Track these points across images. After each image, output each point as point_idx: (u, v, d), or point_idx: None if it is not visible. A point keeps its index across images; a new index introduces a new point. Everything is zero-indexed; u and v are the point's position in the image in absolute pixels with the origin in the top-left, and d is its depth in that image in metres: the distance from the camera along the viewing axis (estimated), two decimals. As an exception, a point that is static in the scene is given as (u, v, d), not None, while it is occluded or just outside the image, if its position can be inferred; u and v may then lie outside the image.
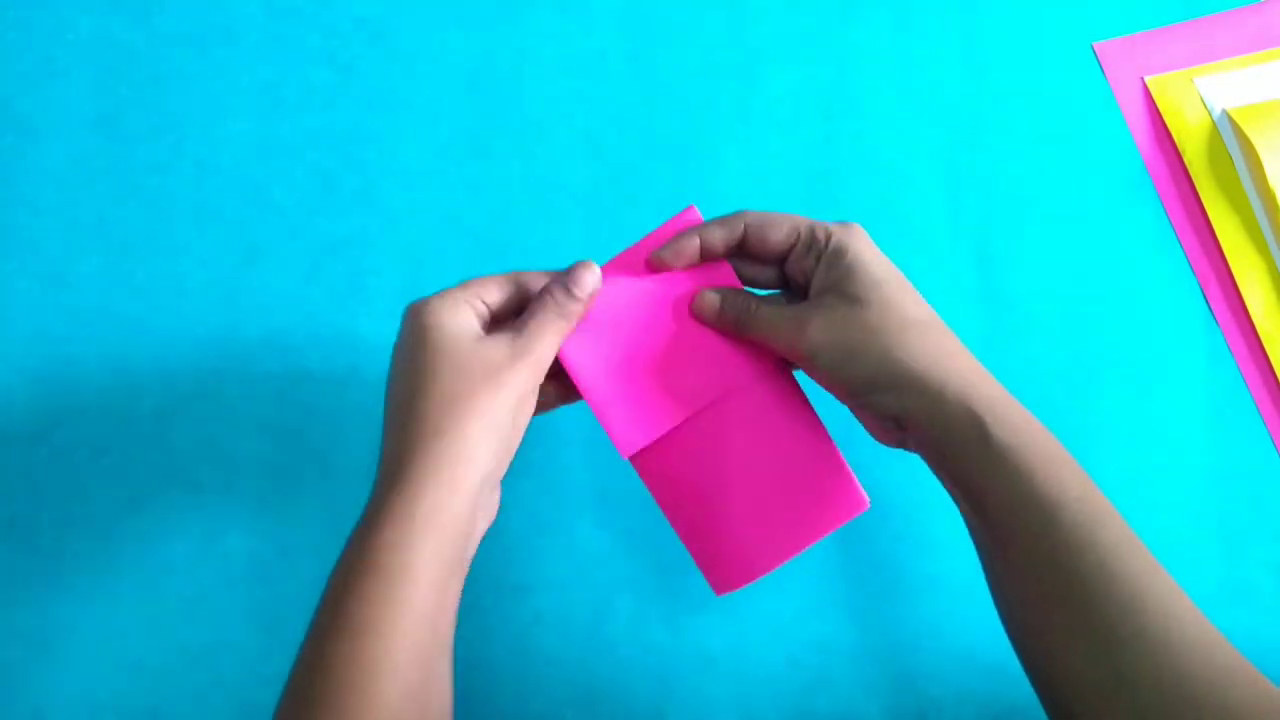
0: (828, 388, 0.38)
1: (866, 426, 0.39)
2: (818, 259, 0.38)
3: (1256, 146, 0.54)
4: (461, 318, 0.36)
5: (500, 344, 0.36)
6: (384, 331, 0.52)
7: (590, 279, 0.38)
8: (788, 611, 0.49)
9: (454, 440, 0.33)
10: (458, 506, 0.33)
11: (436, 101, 0.56)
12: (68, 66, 0.55)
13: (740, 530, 0.40)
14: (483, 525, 0.37)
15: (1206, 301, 0.55)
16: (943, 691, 0.48)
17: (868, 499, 0.40)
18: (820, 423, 0.40)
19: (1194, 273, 0.55)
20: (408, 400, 0.35)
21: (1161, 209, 0.56)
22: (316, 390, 0.51)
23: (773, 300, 0.40)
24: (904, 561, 0.50)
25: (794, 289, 0.40)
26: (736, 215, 0.40)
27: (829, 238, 0.38)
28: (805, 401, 0.41)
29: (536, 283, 0.39)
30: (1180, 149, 0.57)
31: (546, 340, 0.37)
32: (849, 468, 0.40)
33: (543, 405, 0.40)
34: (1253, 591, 0.51)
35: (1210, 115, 0.57)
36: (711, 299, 0.39)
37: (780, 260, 0.40)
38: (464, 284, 0.38)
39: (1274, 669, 0.51)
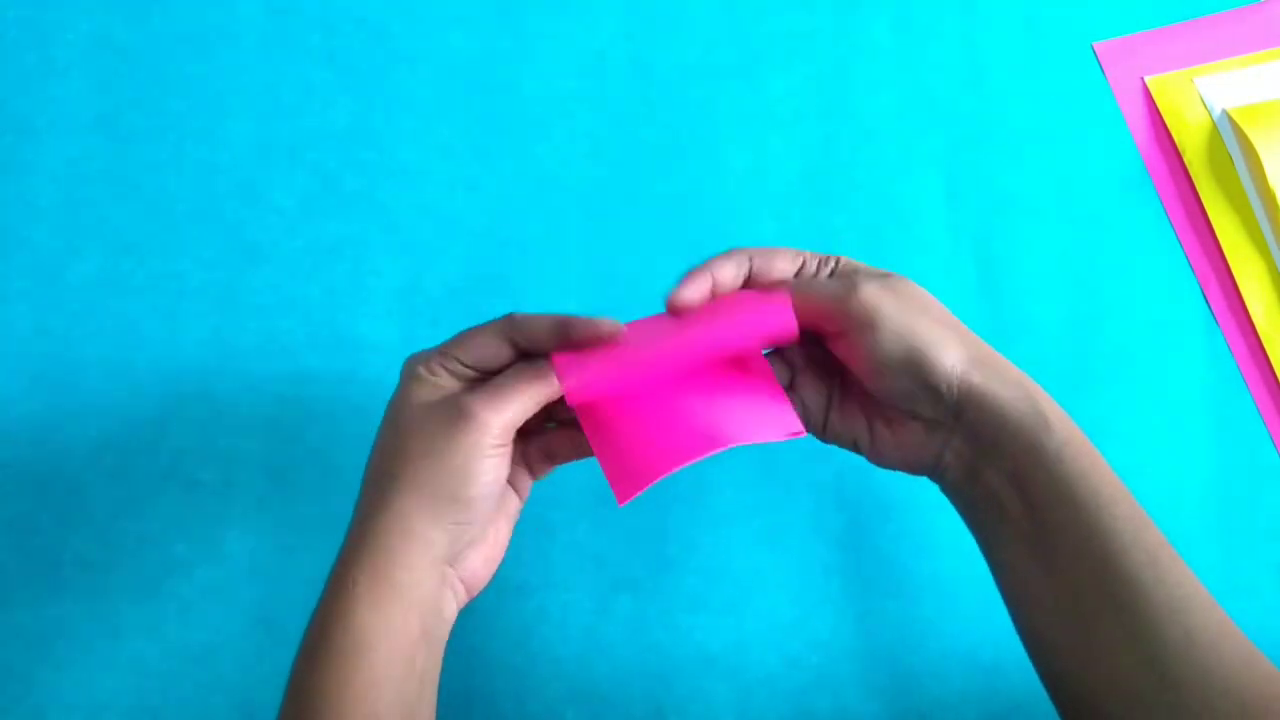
0: (873, 363, 0.35)
1: (896, 422, 0.37)
2: (831, 275, 0.36)
3: (1256, 146, 0.54)
4: (431, 380, 0.34)
5: (448, 407, 0.33)
6: (384, 331, 0.52)
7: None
8: (788, 611, 0.49)
9: (396, 513, 0.33)
10: (409, 580, 0.32)
11: (436, 101, 0.56)
12: (67, 66, 0.55)
13: (657, 432, 0.36)
14: (453, 604, 0.35)
15: (1206, 301, 0.55)
16: (943, 691, 0.48)
17: (803, 426, 0.37)
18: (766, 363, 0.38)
19: (1194, 273, 0.55)
20: (370, 463, 0.35)
21: (1161, 209, 0.56)
22: (316, 390, 0.51)
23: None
24: (904, 561, 0.50)
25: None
26: (738, 250, 0.37)
27: (837, 260, 0.37)
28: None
29: (533, 329, 0.35)
30: (1180, 149, 0.57)
31: (513, 402, 0.33)
32: (786, 396, 0.38)
33: (542, 469, 0.38)
34: (1253, 591, 0.51)
35: (1210, 115, 0.57)
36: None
37: None
38: (453, 339, 0.36)
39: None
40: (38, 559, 0.48)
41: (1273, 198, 0.54)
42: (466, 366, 0.35)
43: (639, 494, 0.35)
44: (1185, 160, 0.57)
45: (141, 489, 0.49)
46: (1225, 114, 0.57)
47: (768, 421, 0.37)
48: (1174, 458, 0.52)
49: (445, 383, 0.35)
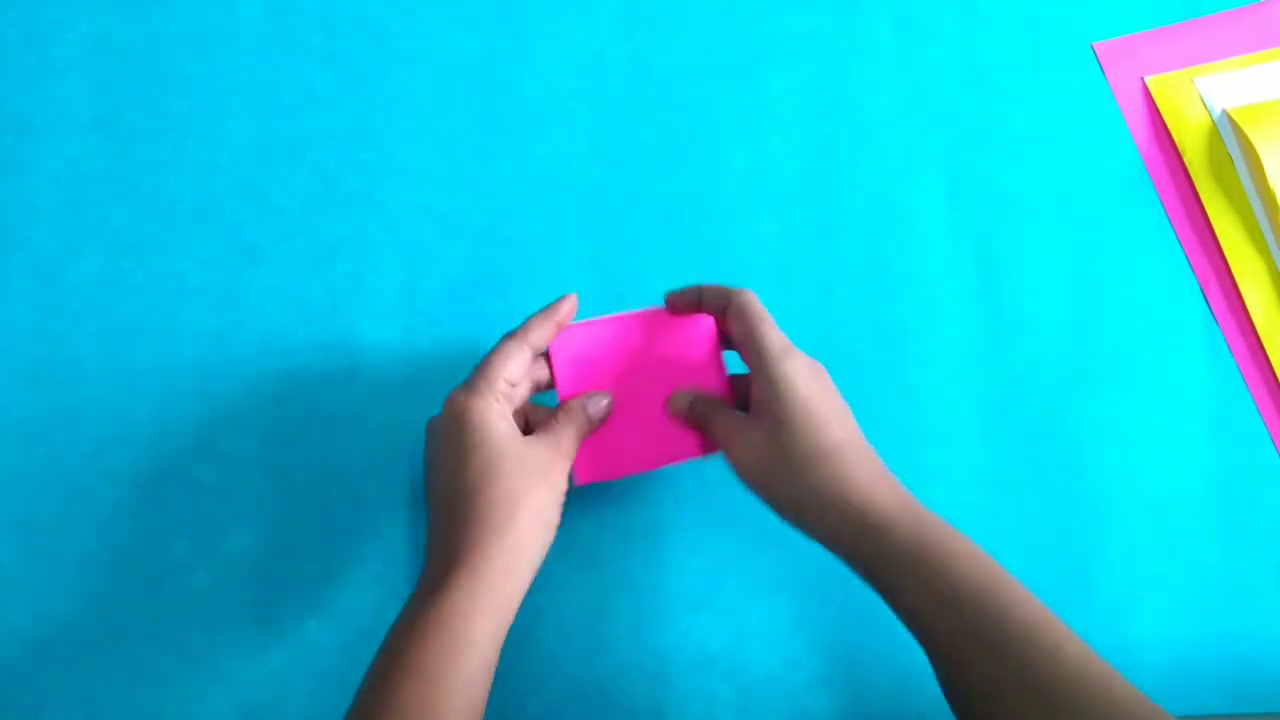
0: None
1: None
2: (758, 369, 0.41)
3: (1256, 146, 0.54)
4: (503, 418, 0.40)
5: (543, 446, 0.41)
6: (384, 331, 0.52)
7: (605, 405, 0.44)
8: (787, 611, 0.49)
9: (513, 535, 0.38)
10: (512, 589, 0.39)
11: (436, 101, 0.56)
12: (67, 66, 0.55)
13: (621, 435, 0.45)
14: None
15: (1206, 301, 0.55)
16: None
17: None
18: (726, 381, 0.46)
19: (1194, 273, 0.55)
20: (466, 495, 0.39)
21: (1161, 209, 0.56)
22: (316, 390, 0.51)
23: (726, 410, 0.43)
24: (904, 561, 0.50)
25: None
26: (741, 295, 0.43)
27: (769, 357, 0.41)
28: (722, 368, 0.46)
29: (542, 336, 0.43)
30: (1180, 149, 0.57)
31: (575, 444, 0.43)
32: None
33: None
34: (1253, 591, 0.51)
35: (1210, 115, 0.57)
36: (682, 401, 0.44)
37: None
38: (489, 368, 0.41)
39: (1274, 669, 0.51)
40: (38, 559, 0.48)
41: (1273, 198, 0.54)
42: (512, 386, 0.42)
43: (597, 481, 0.45)
44: (1185, 160, 0.57)
45: (141, 489, 0.49)
46: (1225, 114, 0.57)
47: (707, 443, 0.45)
48: (1174, 458, 0.52)
49: (510, 414, 0.41)
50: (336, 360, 0.51)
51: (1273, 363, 0.53)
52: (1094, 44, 0.59)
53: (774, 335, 0.41)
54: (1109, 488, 0.52)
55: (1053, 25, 0.59)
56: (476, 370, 0.42)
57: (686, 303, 0.45)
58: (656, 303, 0.53)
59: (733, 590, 0.49)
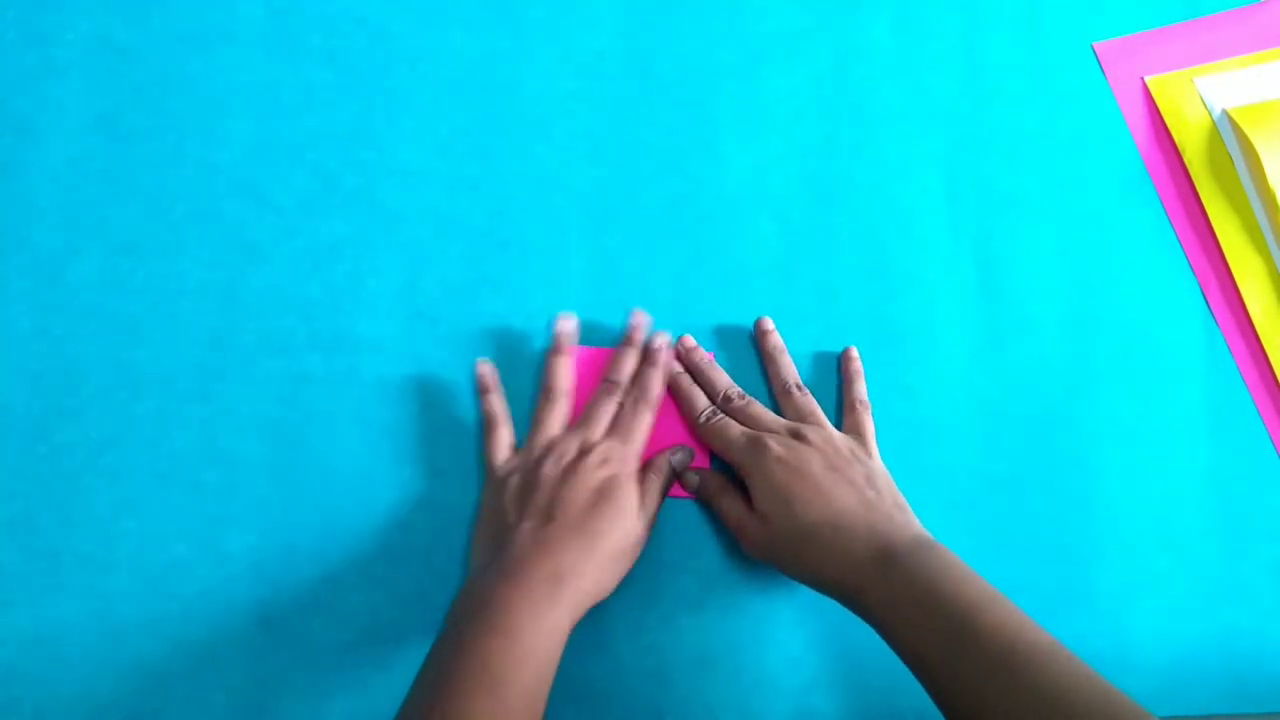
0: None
1: None
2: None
3: (1256, 146, 0.54)
4: (637, 489, 0.47)
5: (642, 524, 0.46)
6: (384, 331, 0.52)
7: (685, 457, 0.50)
8: (787, 611, 0.49)
9: (585, 590, 0.42)
10: (567, 621, 0.42)
11: (436, 101, 0.56)
12: (67, 66, 0.55)
13: None
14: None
15: (1206, 301, 0.55)
16: (942, 691, 0.48)
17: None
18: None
19: (1194, 273, 0.55)
20: (585, 535, 0.43)
21: (1161, 209, 0.56)
22: (316, 390, 0.51)
23: (733, 494, 0.48)
24: (904, 561, 0.50)
25: None
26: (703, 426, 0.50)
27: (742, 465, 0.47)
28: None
29: (656, 390, 0.50)
30: (1180, 149, 0.57)
31: (660, 502, 0.48)
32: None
33: None
34: (1253, 591, 0.51)
35: (1210, 115, 0.57)
36: (691, 480, 0.50)
37: None
38: (636, 441, 0.48)
39: (1274, 669, 0.51)
40: (38, 559, 0.48)
41: (1273, 198, 0.54)
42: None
43: None
44: (1185, 160, 0.57)
45: (141, 489, 0.49)
46: (1225, 114, 0.57)
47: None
48: (1173, 458, 0.53)
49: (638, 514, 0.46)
50: (336, 360, 0.51)
51: (1272, 363, 0.53)
52: (1094, 44, 0.59)
53: (739, 447, 0.47)
54: (1109, 487, 0.52)
55: (1053, 25, 0.59)
56: (628, 438, 0.48)
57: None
58: (656, 304, 0.53)
59: (733, 590, 0.49)
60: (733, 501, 0.48)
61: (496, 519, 0.46)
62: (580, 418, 0.49)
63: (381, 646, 0.48)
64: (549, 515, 0.44)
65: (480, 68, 0.57)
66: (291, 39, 0.56)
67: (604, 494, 0.45)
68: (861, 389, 0.51)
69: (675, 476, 0.49)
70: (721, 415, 0.49)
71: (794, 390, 0.50)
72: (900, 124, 0.57)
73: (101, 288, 0.52)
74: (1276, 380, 0.53)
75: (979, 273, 0.55)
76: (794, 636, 0.49)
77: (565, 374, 0.50)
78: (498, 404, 0.50)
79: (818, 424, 0.49)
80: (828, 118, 0.57)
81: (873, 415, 0.51)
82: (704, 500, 0.50)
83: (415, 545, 0.49)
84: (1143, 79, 0.58)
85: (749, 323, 0.53)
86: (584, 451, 0.47)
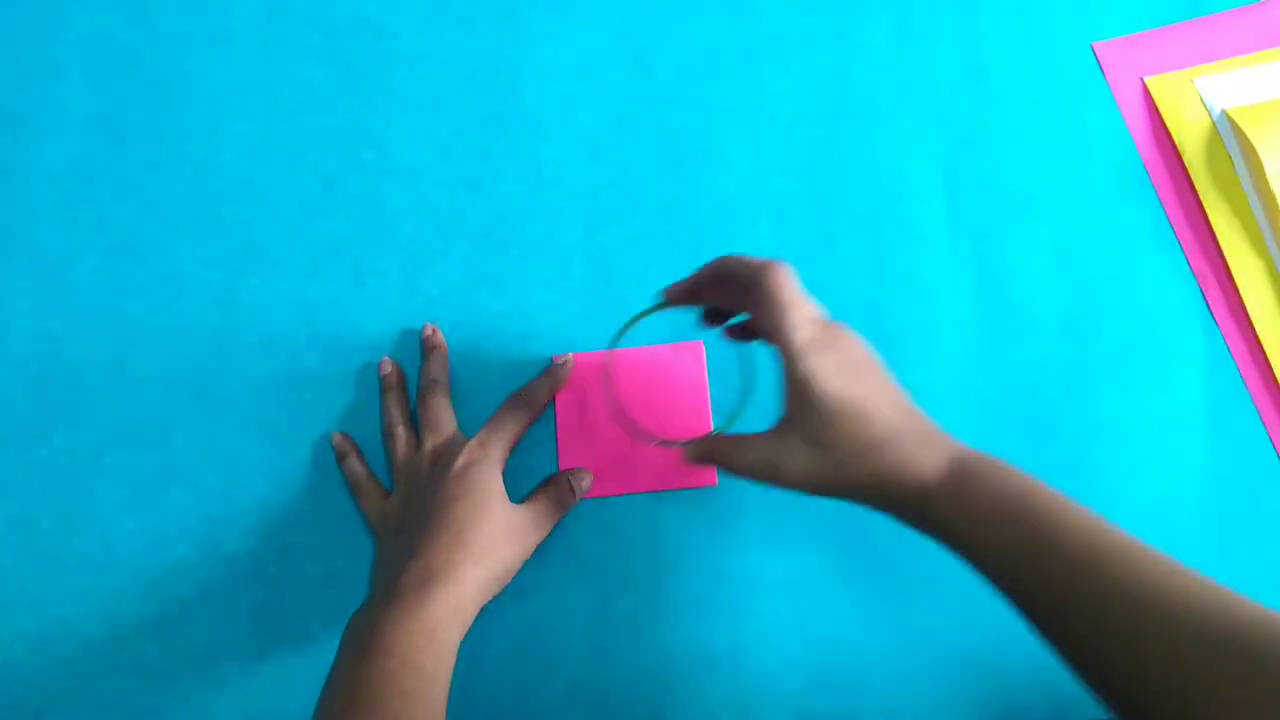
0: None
1: None
2: (787, 373, 0.40)
3: (1256, 146, 0.54)
4: (501, 484, 0.46)
5: (521, 516, 0.46)
6: (384, 332, 0.52)
7: (588, 483, 0.49)
8: (787, 612, 0.49)
9: (484, 570, 0.43)
10: (467, 619, 0.42)
11: (436, 101, 0.56)
12: (66, 66, 0.55)
13: (607, 458, 0.50)
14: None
15: (1206, 302, 0.55)
16: (943, 692, 0.48)
17: (717, 480, 0.50)
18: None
19: (1193, 273, 0.55)
20: (458, 528, 0.43)
21: (1161, 209, 0.56)
22: (316, 390, 0.51)
23: (743, 442, 0.42)
24: (903, 562, 0.50)
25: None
26: (710, 271, 0.43)
27: (793, 354, 0.39)
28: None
29: (543, 399, 0.50)
30: (1180, 149, 0.57)
31: (554, 520, 0.48)
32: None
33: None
34: (1252, 592, 0.51)
35: (1210, 115, 0.57)
36: (693, 452, 0.44)
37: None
38: (502, 438, 0.47)
39: (1273, 669, 0.51)
40: (38, 559, 0.48)
41: (1272, 198, 0.54)
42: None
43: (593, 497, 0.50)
44: (1185, 160, 0.57)
45: (142, 489, 0.49)
46: (1225, 114, 0.57)
47: (697, 474, 0.51)
48: (1174, 458, 0.53)
49: (504, 498, 0.46)
50: (336, 360, 0.51)
51: (1272, 363, 0.53)
52: (1094, 44, 0.59)
53: (797, 331, 0.39)
54: (1108, 487, 0.52)
55: (1053, 25, 0.59)
56: (492, 426, 0.47)
57: (685, 294, 0.44)
58: (654, 302, 0.53)
59: (733, 590, 0.49)
60: (754, 448, 0.41)
61: (382, 547, 0.47)
62: (423, 429, 0.49)
63: (381, 646, 0.48)
64: (419, 520, 0.44)
65: (480, 68, 0.57)
66: (291, 39, 0.56)
67: (461, 481, 0.45)
68: None
69: (572, 494, 0.48)
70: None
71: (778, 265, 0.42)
72: (900, 124, 0.57)
73: (101, 288, 0.52)
74: (1276, 380, 0.53)
75: (979, 272, 0.55)
76: (795, 637, 0.49)
77: (397, 410, 0.50)
78: (358, 466, 0.50)
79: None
80: (828, 118, 0.57)
81: None
82: (714, 463, 0.43)
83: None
84: (1143, 79, 0.58)
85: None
86: (437, 452, 0.47)
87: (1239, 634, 0.32)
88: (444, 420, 0.49)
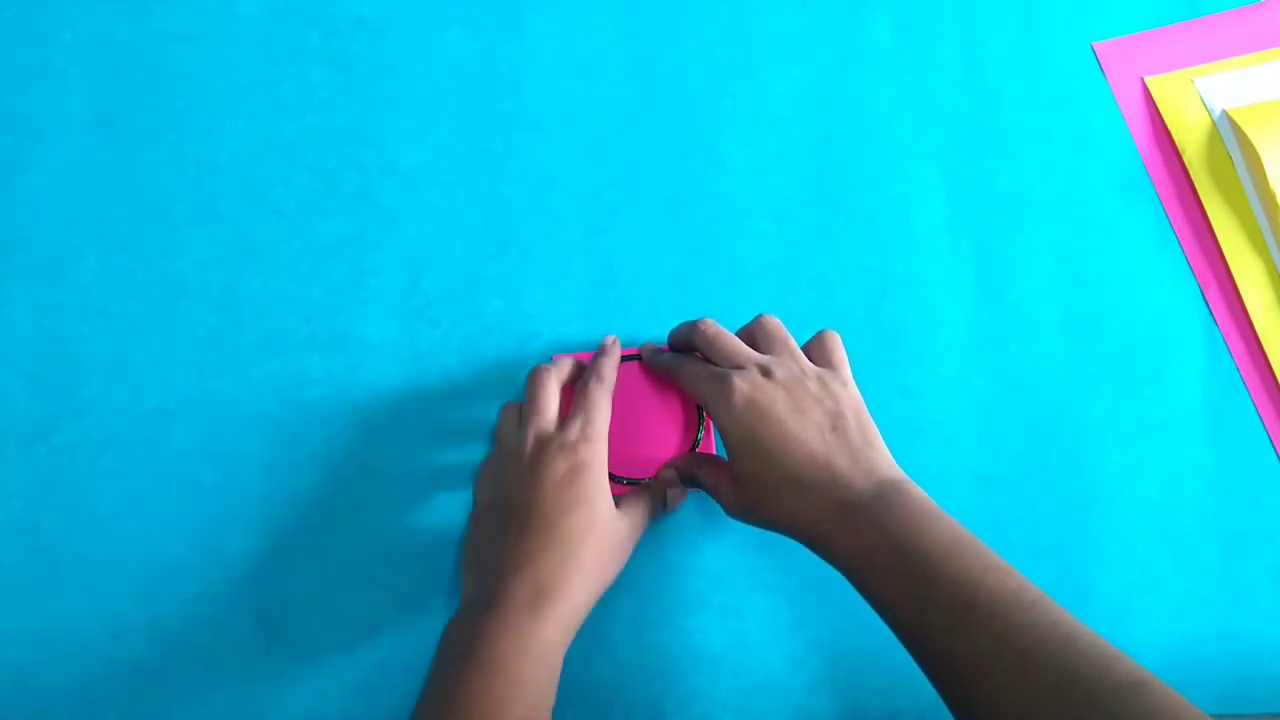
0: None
1: None
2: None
3: (1256, 146, 0.54)
4: (608, 481, 0.44)
5: (626, 526, 0.44)
6: (384, 331, 0.52)
7: (678, 499, 0.49)
8: (788, 612, 0.49)
9: (593, 591, 0.42)
10: (572, 634, 0.41)
11: (436, 101, 0.56)
12: (66, 66, 0.55)
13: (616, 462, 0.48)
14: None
15: (1206, 302, 0.55)
16: (942, 691, 0.48)
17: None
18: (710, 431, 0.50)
19: (1193, 273, 0.55)
20: (568, 542, 0.42)
21: (1161, 209, 0.56)
22: (316, 390, 0.51)
23: (708, 462, 0.47)
24: (904, 561, 0.50)
25: None
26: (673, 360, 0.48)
27: (709, 412, 0.44)
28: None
29: (614, 376, 0.49)
30: (1180, 149, 0.57)
31: (648, 525, 0.47)
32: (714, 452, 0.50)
33: None
34: (1251, 592, 0.51)
35: (1210, 115, 0.57)
36: (668, 473, 0.48)
37: None
38: (599, 421, 0.45)
39: (1274, 669, 0.51)
40: (38, 559, 0.48)
41: (1272, 198, 0.54)
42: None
43: None
44: (1185, 160, 0.57)
45: (141, 489, 0.49)
46: (1225, 114, 0.57)
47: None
48: (1173, 458, 0.53)
49: (608, 497, 0.44)
50: (336, 360, 0.51)
51: (1272, 363, 0.53)
52: (1094, 44, 0.59)
53: (704, 385, 0.44)
54: (1108, 488, 0.52)
55: (1053, 25, 0.59)
56: (590, 420, 0.45)
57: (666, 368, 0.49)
58: (655, 304, 0.53)
59: (733, 590, 0.49)
60: (710, 467, 0.46)
61: (477, 543, 0.46)
62: (526, 409, 0.47)
63: (381, 646, 0.48)
64: (521, 526, 0.42)
65: (480, 68, 0.57)
66: (291, 39, 0.56)
67: (570, 488, 0.43)
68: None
69: (664, 507, 0.48)
70: (685, 356, 0.48)
71: (761, 317, 0.47)
72: (900, 124, 0.57)
73: (101, 288, 0.52)
74: (1276, 380, 0.53)
75: (979, 273, 0.55)
76: (795, 637, 0.49)
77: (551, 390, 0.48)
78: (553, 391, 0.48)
79: (788, 353, 0.45)
80: (828, 118, 0.57)
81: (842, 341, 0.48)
82: (689, 479, 0.48)
83: (415, 545, 0.49)
84: (1143, 79, 0.58)
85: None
86: (540, 443, 0.45)
87: (1102, 696, 0.33)
88: (546, 403, 0.47)
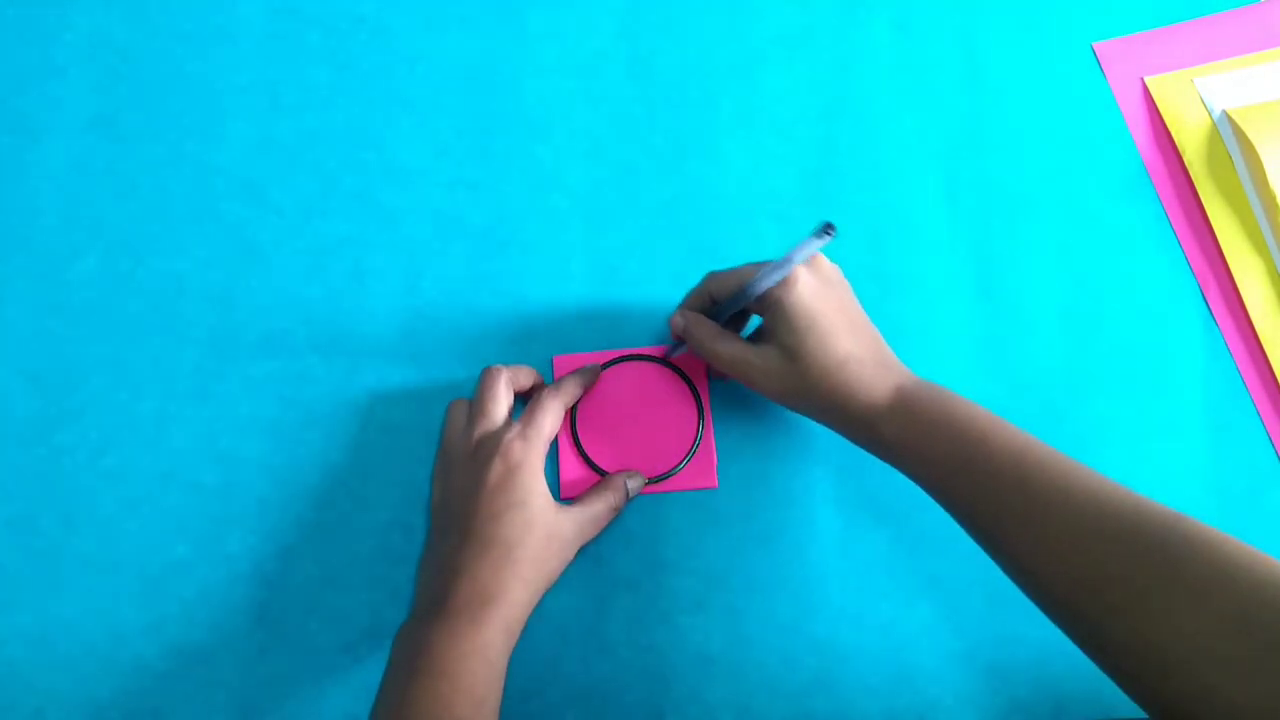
0: None
1: None
2: (767, 296, 0.44)
3: (1256, 147, 0.54)
4: (544, 481, 0.45)
5: (572, 523, 0.45)
6: (383, 332, 0.52)
7: (638, 484, 0.49)
8: (786, 612, 0.49)
9: (534, 590, 0.43)
10: (517, 636, 0.42)
11: (436, 101, 0.56)
12: (66, 66, 0.55)
13: (608, 459, 0.50)
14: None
15: (1206, 302, 0.55)
16: (942, 692, 0.48)
17: (717, 482, 0.50)
18: (709, 421, 0.51)
19: (1193, 273, 0.55)
20: (506, 544, 0.43)
21: (1161, 209, 0.56)
22: (316, 390, 0.51)
23: (729, 337, 0.46)
24: (902, 563, 0.50)
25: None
26: (703, 281, 0.48)
27: (770, 295, 0.44)
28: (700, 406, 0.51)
29: (576, 396, 0.49)
30: (1180, 149, 0.57)
31: (602, 524, 0.47)
32: (714, 457, 0.50)
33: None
34: (1252, 591, 0.51)
35: (1210, 115, 0.57)
36: (677, 320, 0.48)
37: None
38: (543, 426, 0.46)
39: (1273, 669, 0.51)
40: (38, 559, 0.48)
41: (1272, 198, 0.54)
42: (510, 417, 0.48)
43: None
44: (1185, 160, 0.57)
45: (141, 489, 0.49)
46: (1225, 114, 0.57)
47: (697, 476, 0.50)
48: (1173, 458, 0.53)
49: (547, 498, 0.45)
50: (336, 360, 0.52)
51: (1271, 363, 0.53)
52: (1094, 44, 0.59)
53: (768, 271, 0.43)
54: (1108, 488, 0.52)
55: (1053, 25, 0.59)
56: (531, 422, 0.46)
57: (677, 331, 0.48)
58: (655, 305, 0.53)
59: (733, 590, 0.49)
60: (732, 343, 0.46)
61: (427, 547, 0.47)
62: (473, 409, 0.47)
63: (381, 647, 0.48)
64: (463, 532, 0.43)
65: (480, 68, 0.57)
66: (291, 39, 0.56)
67: (505, 491, 0.43)
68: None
69: (625, 497, 0.48)
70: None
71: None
72: (900, 124, 0.57)
73: (101, 288, 0.52)
74: (1276, 380, 0.53)
75: (979, 273, 0.55)
76: (794, 637, 0.49)
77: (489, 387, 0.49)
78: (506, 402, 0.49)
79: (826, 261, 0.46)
80: (828, 118, 0.57)
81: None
82: (696, 346, 0.47)
83: (415, 545, 0.49)
84: (1143, 79, 0.58)
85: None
86: (480, 444, 0.46)
87: (1133, 527, 0.36)
88: (492, 405, 0.47)
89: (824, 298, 0.43)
